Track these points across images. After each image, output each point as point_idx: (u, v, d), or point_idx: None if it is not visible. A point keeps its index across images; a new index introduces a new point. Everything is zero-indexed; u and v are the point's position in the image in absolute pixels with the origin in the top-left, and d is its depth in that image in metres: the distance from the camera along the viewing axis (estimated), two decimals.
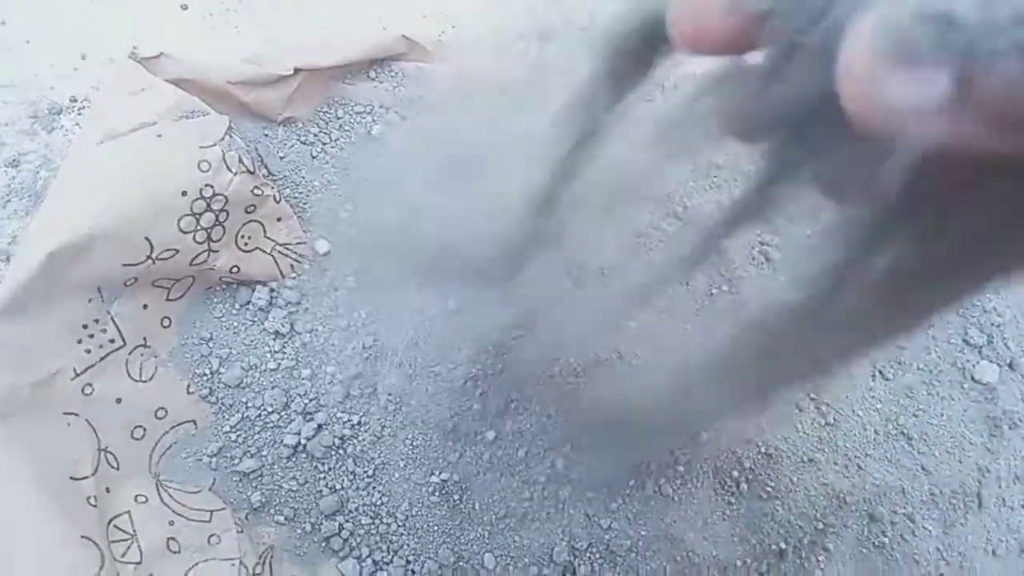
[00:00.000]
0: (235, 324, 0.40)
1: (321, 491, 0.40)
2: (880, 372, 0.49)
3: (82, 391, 0.36)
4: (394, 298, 0.40)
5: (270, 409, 0.40)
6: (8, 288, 0.33)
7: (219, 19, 0.49)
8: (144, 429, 0.38)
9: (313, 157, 0.43)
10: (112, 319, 0.37)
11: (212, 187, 0.36)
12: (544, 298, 0.39)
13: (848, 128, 0.13)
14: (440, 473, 0.39)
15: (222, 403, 0.40)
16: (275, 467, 0.40)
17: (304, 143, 0.43)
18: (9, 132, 0.45)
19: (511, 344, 0.38)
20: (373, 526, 0.40)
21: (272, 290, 0.40)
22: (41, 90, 0.47)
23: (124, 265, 0.35)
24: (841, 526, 0.43)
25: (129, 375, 0.38)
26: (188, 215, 0.36)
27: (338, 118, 0.44)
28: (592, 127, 0.28)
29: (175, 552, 0.36)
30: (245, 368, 0.40)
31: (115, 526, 0.35)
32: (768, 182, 0.20)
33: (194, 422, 0.40)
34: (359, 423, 0.39)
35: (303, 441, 0.39)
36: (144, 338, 0.38)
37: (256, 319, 0.40)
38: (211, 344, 0.40)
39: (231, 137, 0.37)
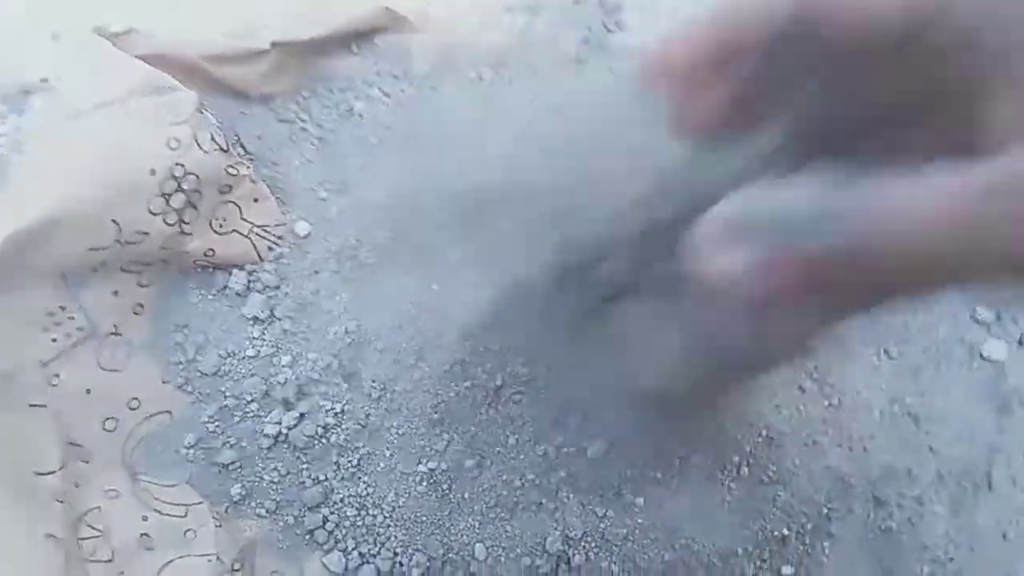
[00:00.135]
0: (211, 310, 0.38)
1: (304, 482, 0.38)
2: (885, 351, 0.48)
3: (48, 382, 0.35)
4: (377, 281, 0.38)
5: (249, 398, 0.38)
6: None
7: None
8: (116, 420, 0.37)
9: (292, 135, 0.41)
10: (80, 306, 0.35)
11: (183, 166, 0.34)
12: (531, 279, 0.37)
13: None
14: (427, 462, 0.37)
15: (199, 392, 0.38)
16: (255, 458, 0.38)
17: (282, 121, 0.41)
18: None
19: (498, 327, 0.36)
20: (359, 518, 0.38)
21: (250, 274, 0.39)
22: (10, 71, 0.45)
23: (90, 249, 0.34)
24: (846, 511, 0.42)
25: (99, 364, 0.36)
26: (158, 196, 0.34)
27: (318, 94, 0.42)
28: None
29: (149, 549, 0.35)
30: (222, 355, 0.38)
31: (84, 523, 0.33)
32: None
33: (170, 412, 0.38)
34: (342, 411, 0.38)
35: (284, 431, 0.38)
36: (115, 325, 0.37)
37: (233, 304, 0.39)
38: (186, 331, 0.38)
39: (202, 114, 0.35)
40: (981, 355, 0.48)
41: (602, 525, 0.39)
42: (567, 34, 0.45)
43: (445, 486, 0.37)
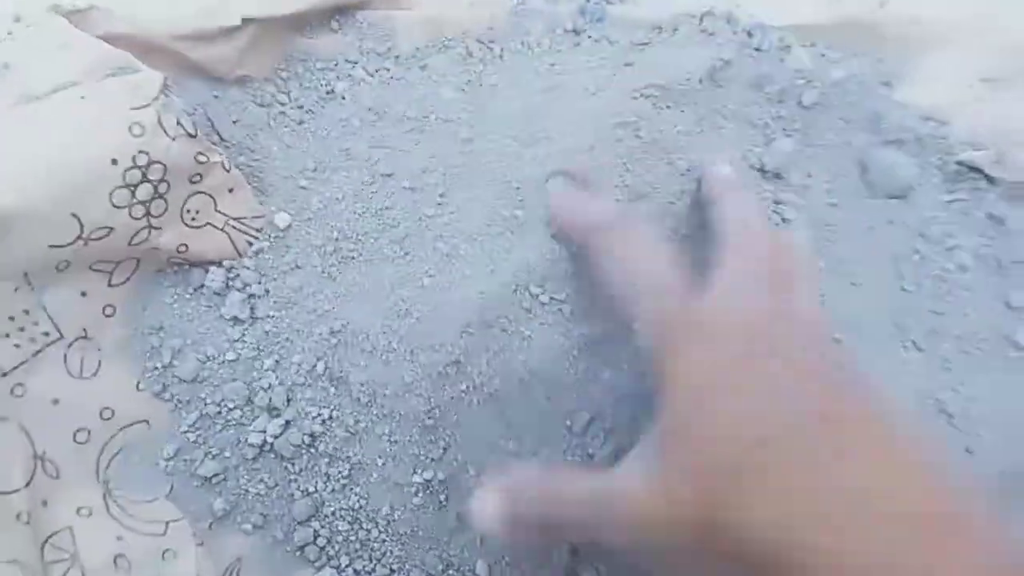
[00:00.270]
0: (188, 310, 0.36)
1: (293, 495, 0.36)
2: (913, 342, 0.44)
3: (11, 392, 0.32)
4: (364, 276, 0.35)
5: (231, 405, 0.35)
6: None
7: None
8: (88, 432, 0.34)
9: (270, 119, 0.38)
10: (44, 309, 0.33)
11: (147, 154, 0.31)
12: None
13: None
14: (423, 472, 0.34)
15: (177, 399, 0.35)
16: (240, 469, 0.35)
17: (260, 104, 0.38)
18: None
19: (494, 325, 0.33)
20: (352, 532, 0.36)
21: (228, 271, 0.36)
22: None
23: (51, 247, 0.31)
24: None
25: (68, 372, 0.33)
26: (121, 187, 0.31)
27: (297, 75, 0.39)
28: None
29: (124, 571, 0.32)
30: (201, 360, 0.35)
31: (52, 544, 0.31)
32: None
33: (147, 422, 0.35)
34: (330, 418, 0.35)
35: (270, 439, 0.35)
36: (84, 329, 0.34)
37: (212, 304, 0.36)
38: (162, 334, 0.35)
39: (167, 96, 0.32)
40: (1018, 344, 0.45)
41: None
42: (563, 5, 0.42)
43: (442, 497, 0.35)
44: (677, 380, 0.26)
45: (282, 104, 0.39)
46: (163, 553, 0.33)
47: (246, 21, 0.36)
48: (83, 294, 0.33)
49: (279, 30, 0.38)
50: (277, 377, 0.35)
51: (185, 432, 0.35)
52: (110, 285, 0.34)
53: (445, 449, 0.34)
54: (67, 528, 0.32)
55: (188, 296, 0.36)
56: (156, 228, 0.33)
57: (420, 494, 0.35)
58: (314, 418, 0.35)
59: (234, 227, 0.35)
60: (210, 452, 0.35)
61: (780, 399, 0.25)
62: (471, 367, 0.33)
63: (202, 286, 0.35)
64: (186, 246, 0.34)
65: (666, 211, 0.36)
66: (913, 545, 0.22)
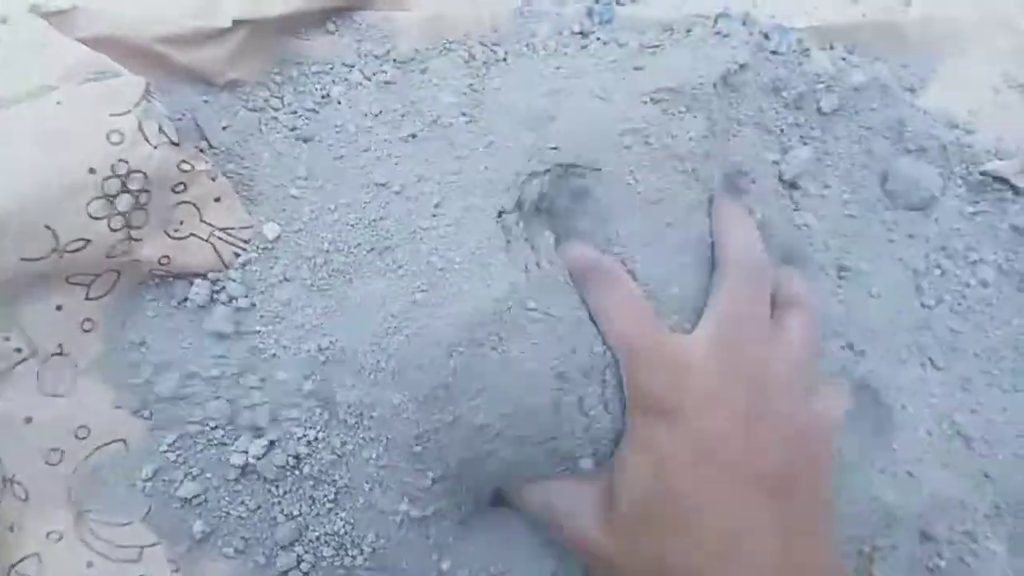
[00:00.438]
0: (170, 325, 0.34)
1: (276, 518, 0.34)
2: (931, 360, 0.42)
3: None
4: (355, 291, 0.33)
5: (213, 424, 0.34)
6: None
7: None
8: (62, 452, 0.32)
9: (262, 125, 0.37)
10: (17, 324, 0.31)
11: (127, 163, 0.30)
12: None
13: None
14: (410, 502, 0.33)
15: (157, 418, 0.34)
16: (221, 491, 0.34)
17: (251, 109, 0.37)
18: None
19: (484, 343, 0.31)
20: (337, 558, 0.34)
21: (213, 284, 0.34)
22: None
23: (23, 260, 0.29)
24: (890, 548, 0.37)
25: (41, 389, 0.32)
26: (99, 197, 0.30)
27: (292, 79, 0.38)
28: None
29: None
30: (183, 377, 0.34)
31: (17, 572, 0.30)
32: None
33: (124, 441, 0.34)
34: (316, 439, 0.33)
35: (252, 460, 0.33)
36: (60, 345, 0.32)
37: (195, 318, 0.34)
38: (143, 349, 0.34)
39: (149, 102, 0.30)
40: None
41: None
42: (570, 6, 0.40)
43: (433, 531, 0.33)
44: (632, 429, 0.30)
45: (275, 109, 0.37)
46: None
47: (237, 23, 0.35)
48: (59, 308, 0.32)
49: (272, 32, 0.36)
50: (262, 395, 0.33)
51: (164, 452, 0.34)
52: (88, 299, 0.33)
53: (434, 480, 0.32)
54: (34, 555, 0.30)
55: (171, 310, 0.34)
56: (137, 240, 0.31)
57: (406, 526, 0.33)
58: (299, 439, 0.33)
59: (220, 238, 0.34)
60: (190, 473, 0.34)
61: (710, 479, 0.28)
62: (459, 391, 0.31)
63: (185, 299, 0.34)
64: (169, 258, 0.33)
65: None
66: None
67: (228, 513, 0.34)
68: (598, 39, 0.39)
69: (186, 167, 0.31)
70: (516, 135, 0.34)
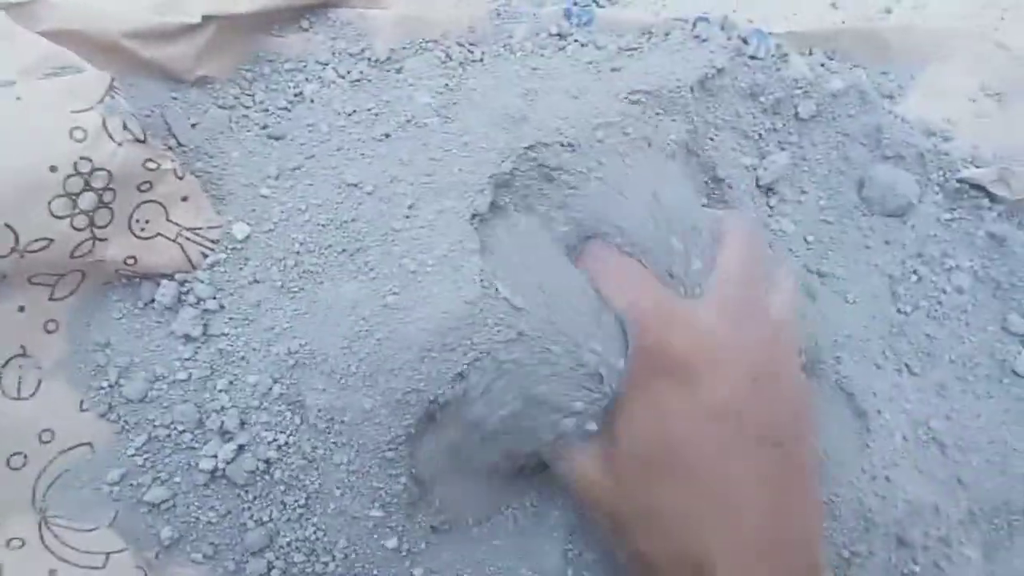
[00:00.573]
0: (137, 327, 0.33)
1: (246, 524, 0.33)
2: (907, 366, 0.42)
3: None
4: (326, 293, 0.33)
5: (181, 427, 0.33)
6: None
7: None
8: (25, 456, 0.32)
9: (232, 123, 0.36)
10: None
11: (90, 160, 0.29)
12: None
13: None
14: (381, 507, 0.32)
15: (124, 421, 0.33)
16: (190, 496, 0.33)
17: (222, 107, 0.36)
18: None
19: (456, 348, 0.31)
20: (308, 564, 0.33)
21: (181, 285, 0.33)
22: None
23: None
24: (868, 553, 0.37)
25: (3, 392, 0.31)
26: (61, 196, 0.29)
27: (264, 76, 0.37)
28: None
29: None
30: (150, 379, 0.33)
31: None
32: None
33: (90, 445, 0.33)
34: (286, 443, 0.33)
35: (222, 465, 0.33)
36: (23, 347, 0.32)
37: (162, 320, 0.33)
38: (108, 351, 0.33)
39: (113, 98, 0.30)
40: (1014, 371, 0.43)
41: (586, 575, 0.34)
42: (548, 7, 0.39)
43: (405, 537, 0.33)
44: (634, 379, 0.30)
45: (246, 107, 0.36)
46: None
47: (207, 18, 0.34)
48: (21, 309, 0.31)
49: (243, 28, 0.36)
50: (231, 399, 0.33)
51: (132, 456, 0.33)
52: (52, 299, 0.32)
53: (405, 487, 0.32)
54: None
55: (137, 311, 0.33)
56: (101, 239, 0.31)
57: (378, 532, 0.32)
58: (269, 443, 0.33)
59: (188, 238, 0.33)
60: (158, 477, 0.33)
61: (706, 429, 0.29)
62: (431, 395, 0.31)
63: (152, 301, 0.33)
64: (135, 258, 0.32)
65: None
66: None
67: (197, 519, 0.33)
68: (576, 41, 0.39)
69: (152, 165, 0.31)
70: (491, 136, 0.34)
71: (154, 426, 0.33)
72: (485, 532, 0.35)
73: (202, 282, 0.33)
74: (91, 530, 0.32)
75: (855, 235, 0.43)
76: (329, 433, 0.32)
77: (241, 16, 0.35)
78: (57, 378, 0.33)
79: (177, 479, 0.33)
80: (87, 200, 0.29)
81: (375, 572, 0.33)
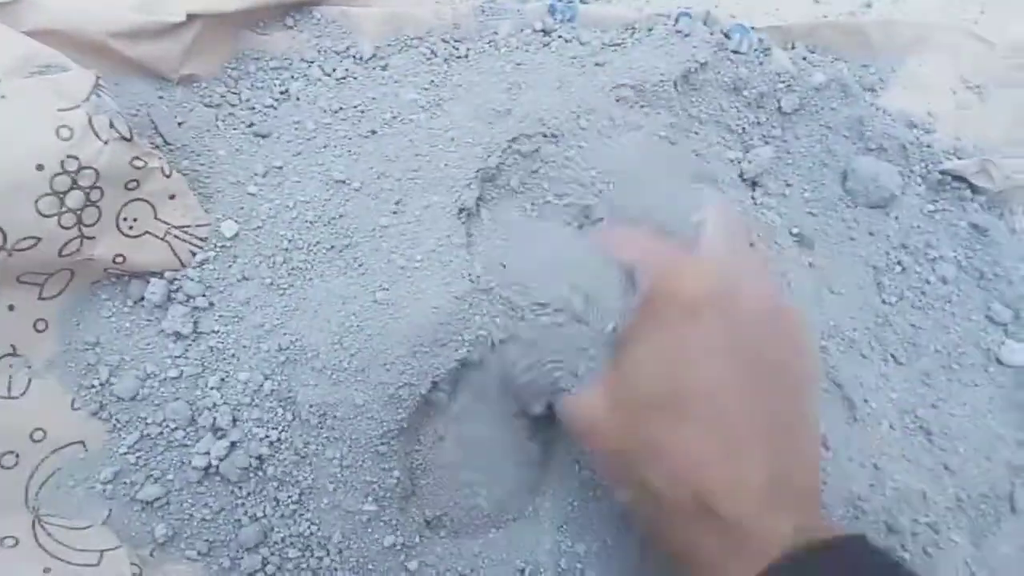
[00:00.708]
0: (127, 325, 0.33)
1: (240, 520, 0.34)
2: (892, 356, 0.43)
3: None
4: (315, 290, 0.33)
5: (174, 425, 0.33)
6: None
7: None
8: (16, 456, 0.32)
9: (219, 121, 0.36)
10: None
11: (77, 159, 0.29)
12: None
13: None
14: (374, 501, 0.32)
15: (116, 419, 0.33)
16: (184, 493, 0.33)
17: (208, 105, 0.36)
18: None
19: (448, 343, 0.31)
20: (303, 559, 0.34)
21: (170, 283, 0.33)
22: None
23: None
24: None
25: None
26: (48, 194, 0.29)
27: (249, 74, 0.37)
28: None
29: None
30: (141, 377, 0.33)
31: None
32: None
33: (83, 443, 0.33)
34: (278, 440, 0.33)
35: (214, 462, 0.33)
36: (12, 346, 0.32)
37: (152, 318, 0.34)
38: (99, 350, 0.33)
39: (99, 97, 0.30)
40: (999, 360, 0.44)
41: (579, 565, 0.34)
42: (532, 3, 0.40)
43: (399, 531, 0.33)
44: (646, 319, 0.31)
45: (232, 105, 0.36)
46: None
47: (192, 17, 0.34)
48: (10, 308, 0.31)
49: (228, 27, 0.36)
50: (222, 396, 0.33)
51: (125, 454, 0.33)
52: (41, 298, 0.32)
53: (398, 481, 0.32)
54: None
55: (127, 309, 0.33)
56: (89, 238, 0.31)
57: (372, 525, 0.33)
58: (261, 440, 0.33)
59: (176, 236, 0.33)
60: (152, 475, 0.33)
61: (711, 363, 0.30)
62: (423, 389, 0.31)
63: (142, 299, 0.33)
64: (123, 256, 0.32)
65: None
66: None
67: (191, 516, 0.33)
68: (560, 37, 0.39)
69: (139, 163, 0.31)
70: (477, 131, 0.34)
71: (146, 424, 0.33)
72: (478, 524, 0.35)
73: (191, 280, 0.33)
74: (85, 528, 0.32)
75: (839, 227, 0.43)
76: (321, 428, 0.32)
77: (226, 14, 0.35)
78: (48, 377, 0.33)
79: (170, 476, 0.33)
80: (74, 198, 0.29)
81: (370, 566, 0.33)
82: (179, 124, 0.35)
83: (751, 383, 0.30)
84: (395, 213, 0.33)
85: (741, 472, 0.28)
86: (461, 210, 0.33)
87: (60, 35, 0.32)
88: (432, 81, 0.37)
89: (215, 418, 0.33)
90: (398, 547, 0.34)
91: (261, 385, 0.33)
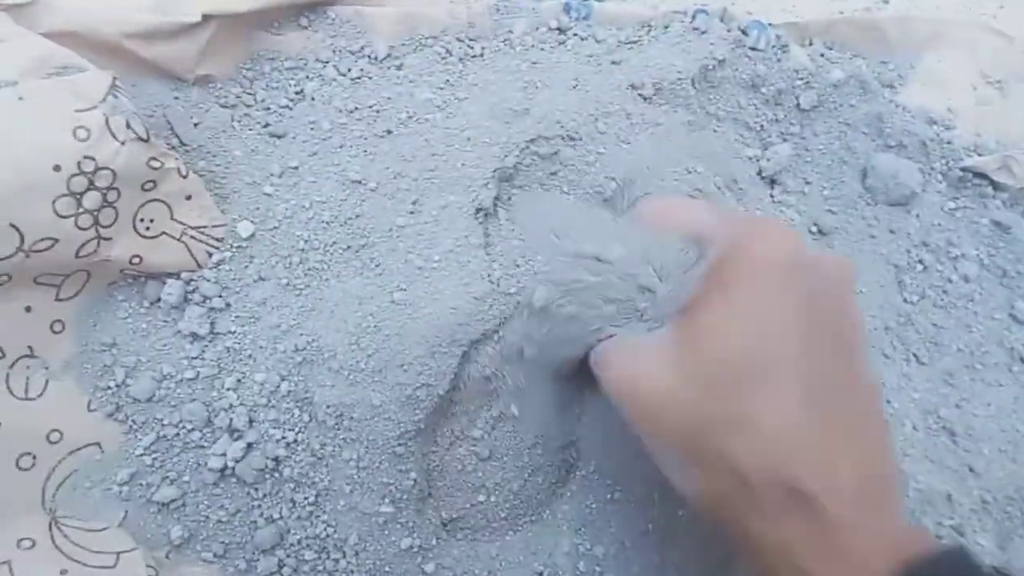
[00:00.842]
0: (143, 326, 0.33)
1: (256, 522, 0.33)
2: (915, 355, 0.42)
3: None
4: (331, 290, 0.33)
5: (190, 426, 0.33)
6: None
7: None
8: (33, 457, 0.32)
9: (234, 121, 0.36)
10: None
11: (94, 160, 0.29)
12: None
13: None
14: (391, 503, 0.32)
15: (132, 421, 0.33)
16: (200, 495, 0.33)
17: (223, 106, 0.36)
18: None
19: (466, 344, 0.31)
20: (319, 562, 0.33)
21: (187, 284, 0.33)
22: None
23: None
24: None
25: (11, 392, 0.31)
26: (65, 195, 0.29)
27: (264, 74, 0.37)
28: None
29: None
30: (157, 378, 0.33)
31: None
32: None
33: (99, 445, 0.33)
34: (295, 441, 0.33)
35: (231, 463, 0.33)
36: (30, 347, 0.32)
37: (169, 319, 0.33)
38: (115, 351, 0.33)
39: (116, 97, 0.30)
40: (1022, 358, 0.43)
41: (598, 569, 0.34)
42: (547, 1, 0.39)
43: (416, 533, 0.32)
44: (724, 281, 0.28)
45: (247, 105, 0.36)
46: None
47: (207, 17, 0.34)
48: (27, 309, 0.31)
49: (243, 27, 0.36)
50: (238, 397, 0.33)
51: (141, 455, 0.33)
52: (58, 299, 0.32)
53: (415, 482, 0.32)
54: (5, 563, 0.30)
55: (143, 310, 0.33)
56: (106, 239, 0.31)
57: (389, 527, 0.32)
58: (278, 441, 0.33)
59: (192, 237, 0.33)
60: (168, 476, 0.33)
61: (804, 330, 0.26)
62: (441, 390, 0.31)
63: (158, 300, 0.33)
64: (140, 257, 0.32)
65: None
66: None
67: (207, 517, 0.33)
68: (575, 35, 0.39)
69: (156, 164, 0.31)
70: (493, 130, 0.34)
71: (162, 425, 0.33)
72: (496, 528, 0.35)
73: (208, 280, 0.33)
74: (101, 530, 0.32)
75: (860, 225, 0.43)
76: (338, 429, 0.32)
77: (241, 14, 0.35)
78: (64, 378, 0.33)
79: (186, 478, 0.33)
80: (91, 199, 0.29)
81: (387, 568, 0.33)
82: (195, 125, 0.35)
83: (834, 354, 0.27)
84: (412, 213, 0.33)
85: (834, 457, 0.25)
86: (478, 210, 0.33)
87: (76, 36, 0.32)
88: (447, 80, 0.37)
89: (231, 419, 0.33)
90: (415, 549, 0.33)
91: (278, 386, 0.33)
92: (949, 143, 0.43)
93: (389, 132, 0.35)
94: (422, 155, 0.34)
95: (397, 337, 0.31)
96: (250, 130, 0.36)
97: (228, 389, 0.33)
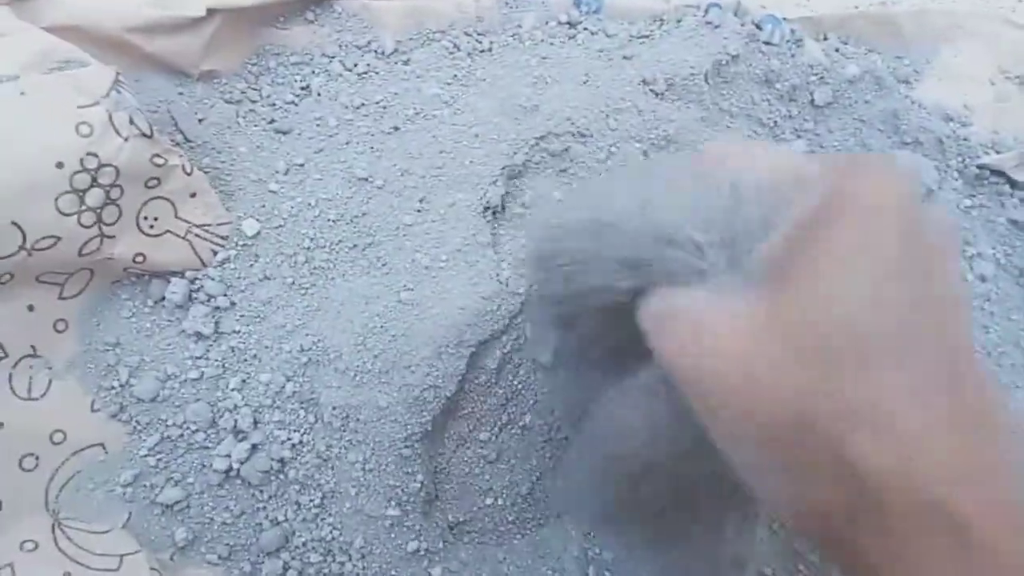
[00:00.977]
0: (147, 325, 0.33)
1: (261, 524, 0.33)
2: None
3: None
4: (337, 289, 0.32)
5: (194, 427, 0.32)
6: None
7: None
8: (36, 458, 0.31)
9: (239, 117, 0.36)
10: None
11: (97, 156, 0.29)
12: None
13: None
14: (397, 506, 0.32)
15: (136, 421, 0.33)
16: (204, 496, 0.33)
17: (229, 101, 0.35)
18: None
19: (474, 345, 0.30)
20: (324, 564, 0.33)
21: (191, 282, 0.33)
22: None
23: None
24: None
25: (14, 392, 0.31)
26: (68, 192, 0.28)
27: (270, 69, 0.37)
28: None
29: None
30: (161, 378, 0.33)
31: None
32: None
33: (102, 445, 0.33)
34: (300, 442, 0.32)
35: (235, 465, 0.32)
36: (32, 347, 0.31)
37: (173, 318, 0.33)
38: (119, 350, 0.33)
39: (119, 93, 0.29)
40: None
41: (607, 573, 0.33)
42: None
43: (422, 536, 0.32)
44: (823, 245, 0.21)
45: (252, 101, 0.36)
46: None
47: (211, 11, 0.33)
48: (30, 308, 0.31)
49: (248, 21, 0.35)
50: (243, 397, 0.32)
51: (145, 456, 0.33)
52: (61, 298, 0.31)
53: (422, 485, 0.31)
54: (8, 565, 0.29)
55: (147, 310, 0.33)
56: (109, 237, 0.30)
57: (395, 529, 0.32)
58: (283, 442, 0.32)
59: (197, 235, 0.33)
60: (172, 478, 0.33)
61: (913, 306, 0.20)
62: (448, 391, 0.30)
63: (162, 299, 0.33)
64: (144, 256, 0.31)
65: None
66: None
67: (212, 519, 0.33)
68: (586, 29, 0.38)
69: (160, 160, 0.30)
70: (502, 126, 0.33)
71: (166, 426, 0.33)
72: (503, 531, 0.34)
73: (212, 279, 0.33)
74: (104, 532, 0.32)
75: None
76: (344, 431, 0.31)
77: (246, 8, 0.34)
78: (68, 378, 0.32)
79: (191, 479, 0.33)
80: (94, 197, 0.29)
81: (393, 572, 0.32)
82: (199, 121, 0.35)
83: (958, 332, 0.21)
84: (419, 211, 0.32)
85: (986, 465, 0.19)
86: (486, 208, 0.32)
87: (79, 31, 0.32)
88: (455, 75, 0.36)
89: (236, 420, 0.32)
90: (421, 553, 0.33)
91: (283, 387, 0.32)
92: (966, 140, 0.42)
93: (396, 128, 0.34)
94: (429, 152, 0.33)
95: (404, 338, 0.30)
96: (255, 126, 0.35)
97: (233, 389, 0.32)
